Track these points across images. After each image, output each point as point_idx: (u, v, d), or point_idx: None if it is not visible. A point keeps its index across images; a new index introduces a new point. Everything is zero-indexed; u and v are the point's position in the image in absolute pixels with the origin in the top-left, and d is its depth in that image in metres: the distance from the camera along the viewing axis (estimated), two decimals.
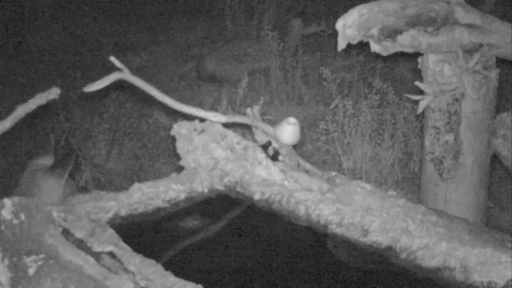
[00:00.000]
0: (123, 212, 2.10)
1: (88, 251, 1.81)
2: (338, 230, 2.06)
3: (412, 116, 3.70)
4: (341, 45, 2.46)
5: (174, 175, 2.33)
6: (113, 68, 2.38)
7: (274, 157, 2.41)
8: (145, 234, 2.08)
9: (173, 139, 2.46)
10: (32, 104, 2.27)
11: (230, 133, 2.42)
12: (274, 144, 2.46)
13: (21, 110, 2.25)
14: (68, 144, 3.94)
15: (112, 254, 1.79)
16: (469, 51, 2.60)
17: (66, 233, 1.88)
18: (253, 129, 2.56)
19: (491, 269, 1.77)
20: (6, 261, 1.76)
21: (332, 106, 3.81)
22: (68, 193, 3.20)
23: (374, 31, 2.46)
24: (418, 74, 2.80)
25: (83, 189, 3.81)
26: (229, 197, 2.30)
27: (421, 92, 2.71)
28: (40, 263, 1.75)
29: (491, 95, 2.70)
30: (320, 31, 5.09)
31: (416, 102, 2.78)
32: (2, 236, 1.80)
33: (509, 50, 2.67)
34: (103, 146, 4.28)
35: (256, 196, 2.26)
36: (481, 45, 2.60)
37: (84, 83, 2.32)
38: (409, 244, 1.92)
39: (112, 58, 2.36)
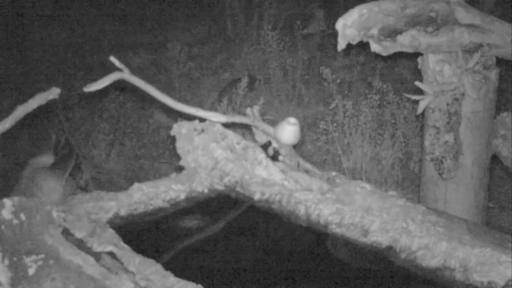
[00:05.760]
0: (123, 212, 2.10)
1: (88, 251, 1.81)
2: (338, 230, 2.06)
3: (412, 116, 3.70)
4: (341, 45, 2.46)
5: (174, 175, 2.33)
6: (113, 68, 2.38)
7: (274, 157, 2.41)
8: (145, 234, 2.08)
9: (173, 139, 2.46)
10: (32, 104, 2.26)
11: (230, 133, 2.42)
12: (274, 144, 2.46)
13: (21, 110, 2.25)
14: (68, 144, 3.93)
15: (112, 254, 1.79)
16: (469, 51, 2.60)
17: (66, 233, 1.88)
18: (253, 129, 2.56)
19: (491, 269, 1.77)
20: (6, 261, 1.75)
21: (332, 106, 3.81)
22: (68, 193, 3.20)
23: (374, 31, 2.46)
24: (418, 74, 2.80)
25: (83, 189, 3.81)
26: (229, 197, 2.30)
27: (421, 92, 2.71)
28: (40, 263, 1.75)
29: (491, 95, 2.70)
30: (320, 31, 5.10)
31: (416, 102, 2.78)
32: (2, 236, 1.80)
33: (509, 50, 2.67)
34: (103, 146, 4.27)
35: (256, 196, 2.26)
36: (481, 45, 2.60)
37: (84, 83, 2.31)
38: (409, 244, 1.92)
39: (112, 58, 2.36)
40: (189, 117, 2.45)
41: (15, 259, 1.76)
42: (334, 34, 2.51)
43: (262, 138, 2.52)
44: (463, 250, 1.83)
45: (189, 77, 5.16)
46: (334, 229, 2.07)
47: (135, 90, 2.44)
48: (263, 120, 2.59)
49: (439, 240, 1.89)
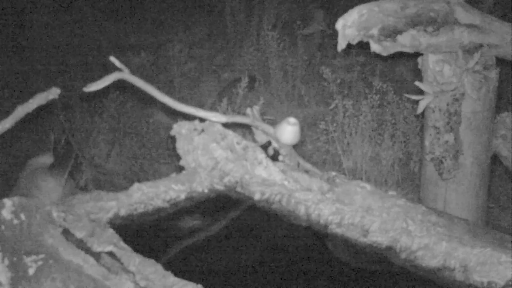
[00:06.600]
0: (123, 212, 2.10)
1: (88, 251, 1.80)
2: (338, 230, 2.06)
3: (412, 116, 3.70)
4: (341, 45, 2.46)
5: (174, 175, 2.33)
6: (113, 68, 2.38)
7: (274, 157, 2.41)
8: (145, 234, 2.08)
9: (173, 139, 2.46)
10: (32, 104, 2.26)
11: (230, 133, 2.42)
12: (274, 144, 2.46)
13: (21, 110, 2.25)
14: (68, 143, 3.93)
15: (112, 254, 1.79)
16: (469, 51, 2.60)
17: (66, 233, 1.88)
18: (253, 129, 2.56)
19: (491, 269, 1.77)
20: (6, 261, 1.76)
21: (332, 106, 3.81)
22: (67, 193, 3.20)
23: (374, 31, 2.46)
24: (418, 74, 2.80)
25: (83, 189, 3.81)
26: (229, 197, 2.30)
27: (421, 92, 2.71)
28: (40, 263, 1.75)
29: (491, 95, 2.70)
30: (320, 31, 5.10)
31: (416, 102, 2.78)
32: (2, 236, 1.80)
33: (509, 50, 2.67)
34: (103, 146, 4.27)
35: (256, 196, 2.26)
36: (481, 45, 2.60)
37: (84, 83, 2.31)
38: (409, 244, 1.92)
39: (112, 58, 2.36)
40: (189, 117, 2.45)
41: (15, 259, 1.76)
42: (334, 34, 2.51)
43: (262, 138, 2.52)
44: (463, 250, 1.83)
45: (189, 77, 5.16)
46: (334, 229, 2.07)
47: (135, 90, 2.44)
48: (263, 120, 2.59)
49: (439, 240, 1.89)
